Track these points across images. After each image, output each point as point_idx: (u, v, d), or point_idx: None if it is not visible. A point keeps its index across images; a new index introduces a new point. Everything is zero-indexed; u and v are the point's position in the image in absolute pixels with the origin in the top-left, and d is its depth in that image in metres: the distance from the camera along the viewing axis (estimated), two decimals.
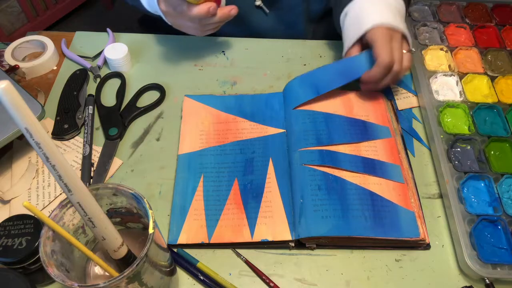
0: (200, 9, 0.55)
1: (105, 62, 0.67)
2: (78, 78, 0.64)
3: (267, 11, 0.72)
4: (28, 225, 0.42)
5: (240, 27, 0.72)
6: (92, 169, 0.55)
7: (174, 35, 0.71)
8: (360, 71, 0.58)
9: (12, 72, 0.64)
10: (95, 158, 0.56)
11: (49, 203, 0.52)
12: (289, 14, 0.73)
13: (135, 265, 0.32)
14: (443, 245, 0.50)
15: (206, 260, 0.48)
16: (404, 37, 0.58)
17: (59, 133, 0.58)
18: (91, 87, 0.65)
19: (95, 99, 0.62)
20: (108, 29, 0.71)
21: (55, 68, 0.67)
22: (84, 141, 0.57)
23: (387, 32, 0.56)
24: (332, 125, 0.57)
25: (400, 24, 0.57)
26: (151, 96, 0.64)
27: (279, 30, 0.74)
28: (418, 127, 0.61)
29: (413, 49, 0.62)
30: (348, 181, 0.51)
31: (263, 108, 0.61)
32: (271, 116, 0.60)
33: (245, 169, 0.54)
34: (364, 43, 0.59)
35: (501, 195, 0.52)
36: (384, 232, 0.48)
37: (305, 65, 0.68)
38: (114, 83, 0.65)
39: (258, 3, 0.70)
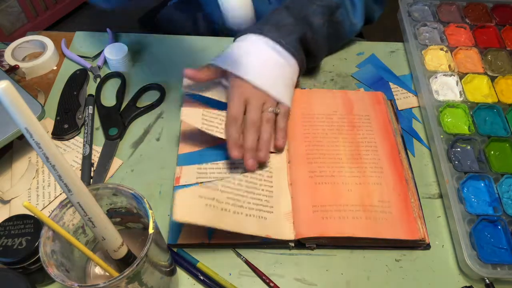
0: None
1: (105, 62, 0.67)
2: (78, 78, 0.64)
3: None
4: (28, 225, 0.42)
5: None
6: (92, 169, 0.55)
7: (174, 35, 0.72)
8: None
9: (12, 72, 0.64)
10: (95, 158, 0.56)
11: (49, 203, 0.52)
12: None
13: (135, 265, 0.32)
14: (443, 245, 0.50)
15: (206, 260, 0.48)
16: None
17: (59, 133, 0.58)
18: (91, 87, 0.65)
19: (95, 99, 0.62)
20: (108, 29, 0.71)
21: (55, 68, 0.67)
22: (84, 141, 0.57)
23: (245, 87, 0.53)
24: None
25: (266, 82, 0.53)
26: (151, 96, 0.64)
27: None
28: (418, 127, 0.61)
29: (277, 110, 0.54)
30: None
31: None
32: None
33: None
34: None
35: (501, 195, 0.52)
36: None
37: None
38: (114, 83, 0.65)
39: None
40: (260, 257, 0.49)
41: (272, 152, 0.55)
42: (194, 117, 0.54)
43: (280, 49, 0.55)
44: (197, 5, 0.76)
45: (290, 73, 0.56)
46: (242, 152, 0.51)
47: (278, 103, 0.55)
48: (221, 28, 0.74)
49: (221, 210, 0.48)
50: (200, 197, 0.48)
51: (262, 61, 0.54)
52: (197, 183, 0.52)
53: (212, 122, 0.54)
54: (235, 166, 0.54)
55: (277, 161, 0.54)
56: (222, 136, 0.53)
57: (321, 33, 0.59)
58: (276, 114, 0.54)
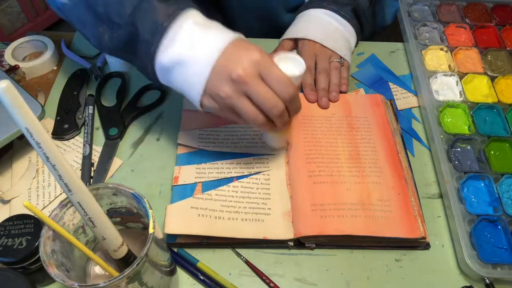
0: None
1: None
2: (78, 78, 0.64)
3: None
4: (28, 225, 0.42)
5: (272, 28, 0.74)
6: (92, 169, 0.55)
7: None
8: None
9: (12, 72, 0.64)
10: (95, 158, 0.56)
11: (49, 203, 0.52)
12: None
13: (135, 264, 0.32)
14: (443, 245, 0.50)
15: (206, 260, 0.48)
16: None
17: (59, 133, 0.58)
18: (91, 87, 0.65)
19: (95, 99, 0.62)
20: None
21: (55, 68, 0.67)
22: (84, 141, 0.57)
23: (313, 46, 0.63)
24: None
25: (331, 42, 0.63)
26: (151, 96, 0.64)
27: None
28: (418, 127, 0.61)
29: (343, 61, 0.63)
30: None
31: None
32: None
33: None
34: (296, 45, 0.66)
35: (501, 195, 0.52)
36: None
37: None
38: (114, 83, 0.65)
39: None
40: (260, 257, 0.49)
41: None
42: (191, 139, 0.57)
43: (339, 18, 0.64)
44: (213, 7, 0.75)
45: (348, 36, 0.66)
46: (315, 96, 0.61)
47: (341, 57, 0.64)
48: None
49: (214, 219, 0.49)
50: (192, 208, 0.49)
51: (325, 28, 0.64)
52: (195, 183, 0.52)
53: (209, 139, 0.57)
54: (234, 166, 0.54)
55: (275, 163, 0.54)
56: (217, 149, 0.56)
57: (367, 11, 0.68)
58: (341, 65, 0.64)
